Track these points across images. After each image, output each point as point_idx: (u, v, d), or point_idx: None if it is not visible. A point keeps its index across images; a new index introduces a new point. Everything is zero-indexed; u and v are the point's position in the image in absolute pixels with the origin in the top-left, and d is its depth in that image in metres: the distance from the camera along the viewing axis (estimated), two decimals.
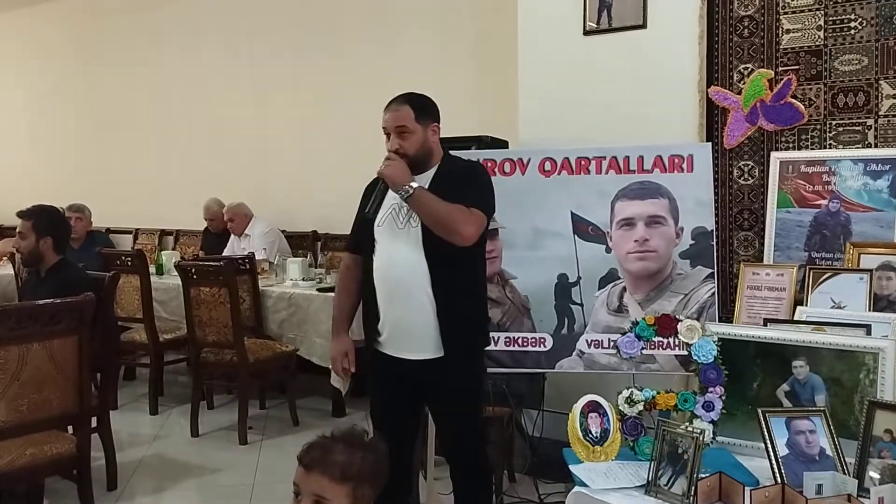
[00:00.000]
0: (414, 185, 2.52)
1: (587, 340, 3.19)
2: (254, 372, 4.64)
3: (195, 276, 4.60)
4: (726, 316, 3.28)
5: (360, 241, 2.70)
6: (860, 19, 3.43)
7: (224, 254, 5.91)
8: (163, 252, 6.14)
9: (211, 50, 7.17)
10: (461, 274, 2.61)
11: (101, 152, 8.02)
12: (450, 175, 2.63)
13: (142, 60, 7.63)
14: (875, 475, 1.83)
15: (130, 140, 7.78)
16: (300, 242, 6.53)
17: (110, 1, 7.88)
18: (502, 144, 4.22)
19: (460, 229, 2.56)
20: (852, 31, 3.45)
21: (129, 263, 5.12)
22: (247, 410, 4.54)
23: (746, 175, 3.70)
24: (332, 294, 3.05)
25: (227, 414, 4.92)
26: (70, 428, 3.36)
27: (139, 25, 7.65)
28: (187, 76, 7.35)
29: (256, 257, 5.32)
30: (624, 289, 3.19)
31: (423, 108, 2.64)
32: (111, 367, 4.16)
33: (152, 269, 5.45)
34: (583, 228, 3.23)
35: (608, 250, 3.22)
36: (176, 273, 4.81)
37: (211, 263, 4.75)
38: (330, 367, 2.80)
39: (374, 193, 2.63)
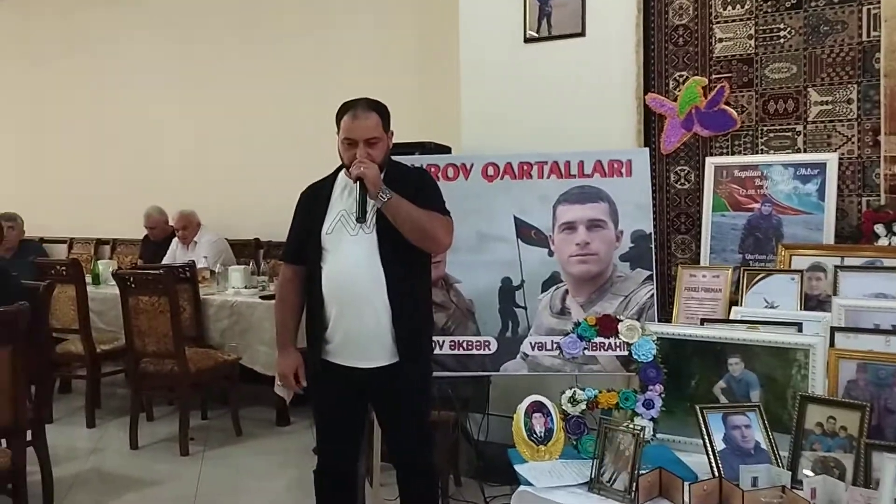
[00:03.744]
0: (388, 190, 2.47)
1: (531, 343, 3.22)
2: (195, 382, 4.56)
3: (133, 286, 4.51)
4: (665, 317, 3.35)
5: (304, 250, 2.64)
6: (789, 28, 3.55)
7: (164, 262, 5.81)
8: (99, 261, 6.00)
9: (146, 55, 7.03)
10: (413, 280, 2.60)
11: (34, 160, 7.80)
12: (399, 181, 2.56)
13: (75, 67, 7.44)
14: (808, 471, 1.89)
15: (65, 148, 7.57)
16: (242, 250, 6.44)
17: (42, 5, 7.68)
18: (445, 150, 4.24)
19: (439, 236, 2.55)
20: (781, 41, 3.57)
21: (64, 273, 4.98)
22: (188, 421, 4.46)
23: (683, 180, 3.80)
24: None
25: (168, 425, 4.82)
26: (4, 441, 3.26)
27: (73, 28, 7.47)
28: (123, 82, 7.17)
29: (198, 265, 5.24)
30: (566, 291, 3.24)
31: (386, 115, 2.60)
32: (46, 379, 4.04)
33: (88, 278, 5.33)
34: (525, 232, 3.28)
35: (550, 254, 3.26)
36: (113, 282, 4.71)
37: (150, 272, 4.66)
38: (274, 375, 2.76)
39: (349, 200, 2.56)
